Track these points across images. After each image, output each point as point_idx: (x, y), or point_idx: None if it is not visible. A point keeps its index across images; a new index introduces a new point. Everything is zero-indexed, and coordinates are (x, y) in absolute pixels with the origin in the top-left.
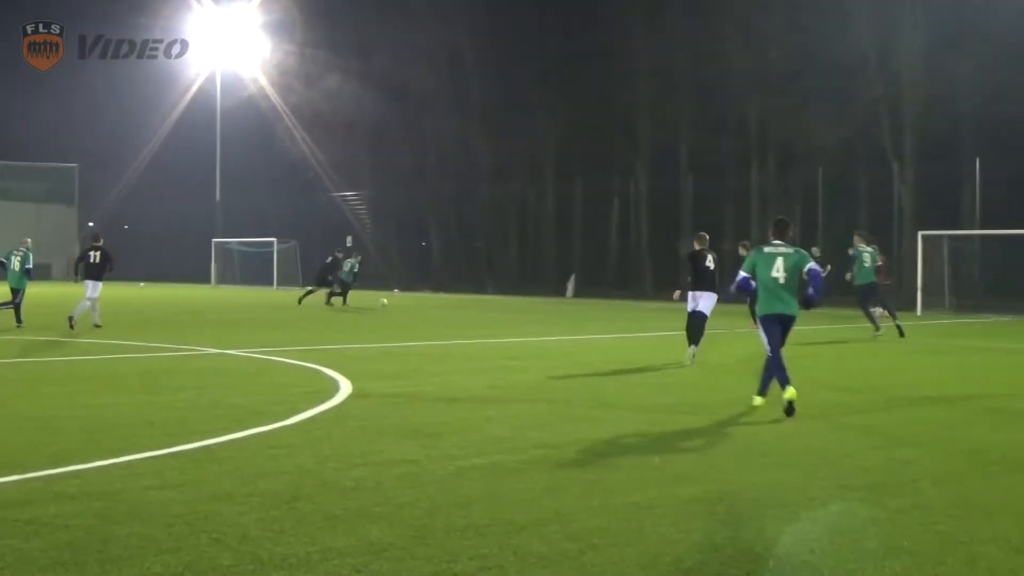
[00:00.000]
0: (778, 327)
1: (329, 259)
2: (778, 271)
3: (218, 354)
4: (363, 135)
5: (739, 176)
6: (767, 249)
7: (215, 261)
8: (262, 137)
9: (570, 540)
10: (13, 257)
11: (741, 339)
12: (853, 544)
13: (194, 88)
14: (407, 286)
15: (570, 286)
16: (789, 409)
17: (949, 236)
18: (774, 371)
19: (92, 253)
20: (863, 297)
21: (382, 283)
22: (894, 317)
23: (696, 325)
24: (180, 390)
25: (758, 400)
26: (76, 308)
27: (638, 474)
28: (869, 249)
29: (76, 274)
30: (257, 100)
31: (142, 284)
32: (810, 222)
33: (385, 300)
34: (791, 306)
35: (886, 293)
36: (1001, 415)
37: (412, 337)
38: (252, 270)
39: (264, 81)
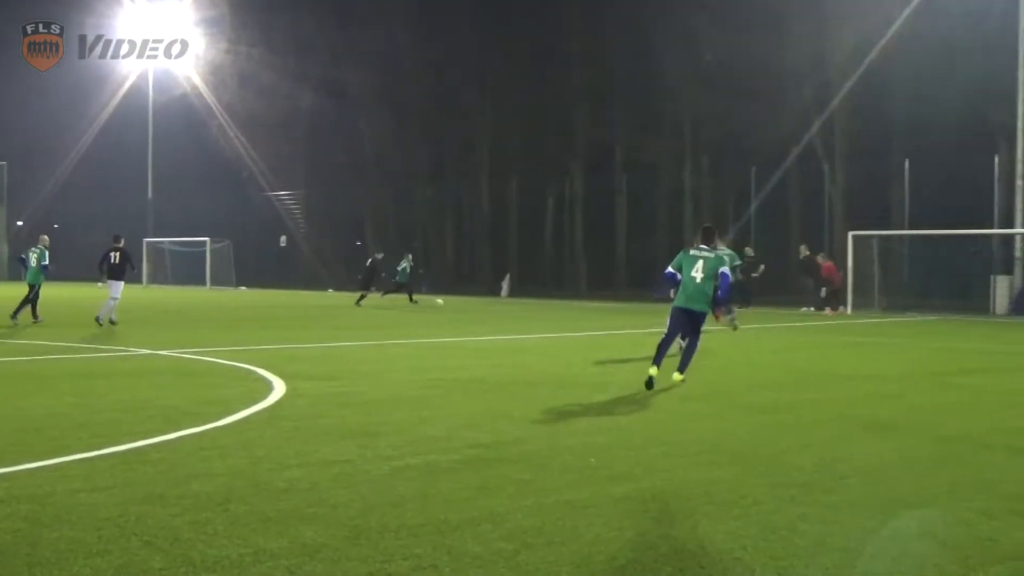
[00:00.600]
0: (686, 318)
1: (369, 261)
2: (697, 272)
3: (150, 355)
4: (298, 134)
5: (673, 176)
6: (692, 252)
7: (147, 261)
8: (195, 135)
9: (504, 539)
10: (31, 254)
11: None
12: (784, 541)
13: (126, 85)
14: (342, 286)
15: (505, 286)
16: (649, 383)
17: (879, 236)
18: (660, 349)
19: (112, 254)
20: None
21: (317, 283)
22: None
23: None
24: (111, 391)
25: (677, 376)
26: (102, 309)
27: (572, 473)
28: (728, 252)
29: (102, 274)
30: (191, 98)
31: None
32: (743, 222)
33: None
34: (701, 304)
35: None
36: (929, 412)
37: (347, 337)
38: (184, 270)
39: (198, 79)
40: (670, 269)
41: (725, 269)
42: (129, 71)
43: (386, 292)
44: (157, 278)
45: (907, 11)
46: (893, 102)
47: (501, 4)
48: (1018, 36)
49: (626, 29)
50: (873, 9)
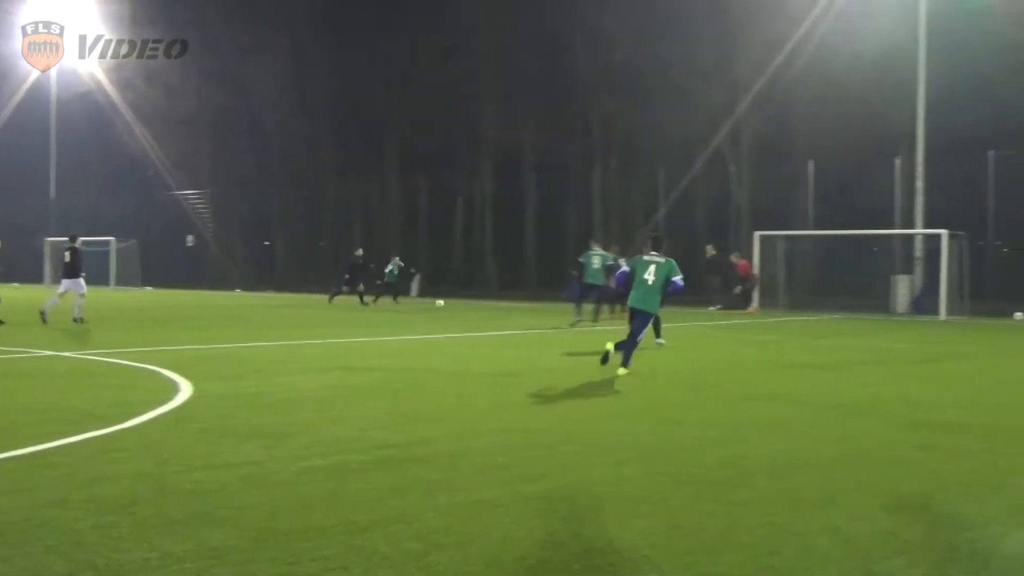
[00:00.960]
0: (633, 315)
1: (355, 261)
2: (649, 275)
3: (52, 356)
4: (205, 132)
5: (582, 177)
6: (645, 258)
7: (49, 260)
8: (100, 134)
9: (414, 539)
10: None
11: (586, 336)
12: (691, 537)
13: (28, 82)
14: (250, 286)
15: (414, 285)
16: (604, 357)
17: (784, 236)
18: (627, 347)
19: (66, 253)
20: (582, 292)
21: (224, 283)
22: (578, 313)
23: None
24: (12, 393)
25: (622, 370)
26: (47, 304)
27: (482, 473)
28: (601, 253)
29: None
30: (95, 95)
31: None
32: (651, 222)
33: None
34: (651, 306)
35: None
36: (832, 410)
37: (255, 338)
38: (88, 269)
39: (102, 76)
40: (625, 270)
41: (677, 278)
42: (31, 68)
43: (377, 296)
44: (60, 278)
45: (811, 16)
46: (797, 105)
47: (409, 3)
48: (918, 42)
49: (535, 30)
50: (779, 14)
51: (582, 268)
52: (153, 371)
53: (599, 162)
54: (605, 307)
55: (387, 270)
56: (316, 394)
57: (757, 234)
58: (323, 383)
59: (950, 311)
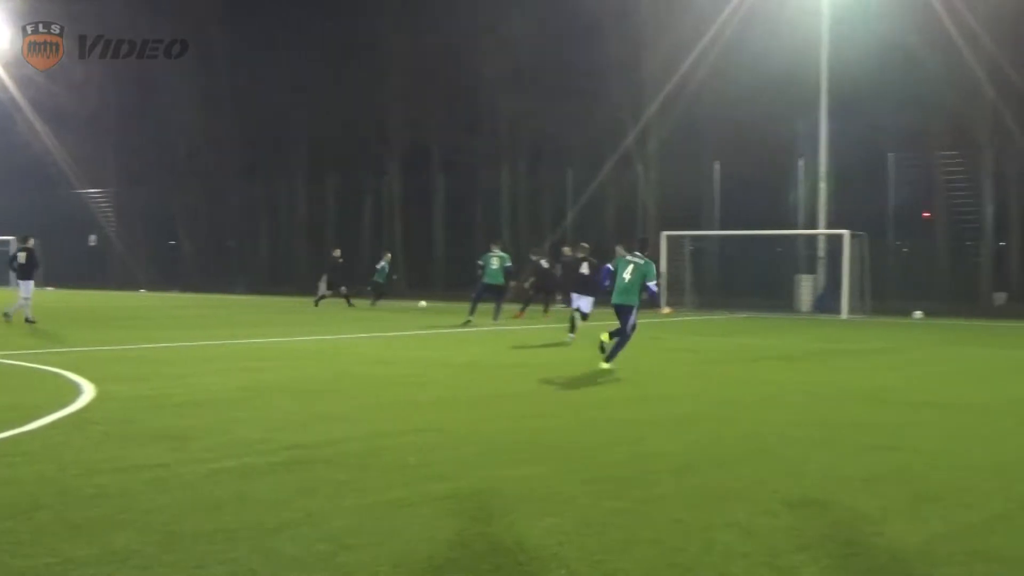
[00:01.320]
0: (617, 311)
1: (334, 262)
2: (627, 274)
3: None
4: (109, 130)
5: (490, 176)
6: (628, 258)
7: None
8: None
9: (323, 541)
10: None
11: (496, 335)
12: (598, 535)
13: None
14: (156, 286)
15: (322, 285)
16: (601, 347)
17: (690, 236)
18: (616, 343)
19: (19, 254)
20: (480, 292)
21: (129, 283)
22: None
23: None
24: None
25: (605, 364)
26: (12, 308)
27: (391, 473)
28: (500, 255)
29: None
30: None
31: None
32: (559, 222)
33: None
34: (631, 299)
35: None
36: (735, 407)
37: (160, 339)
38: None
39: (2, 73)
40: (609, 267)
41: (651, 283)
42: None
43: (375, 299)
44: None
45: (718, 18)
46: (704, 107)
47: (317, 1)
48: (821, 46)
49: (443, 29)
50: (686, 16)
51: (481, 269)
52: (55, 373)
53: (507, 162)
54: (519, 306)
55: (378, 267)
56: (223, 395)
57: (664, 234)
58: (230, 384)
59: (852, 310)
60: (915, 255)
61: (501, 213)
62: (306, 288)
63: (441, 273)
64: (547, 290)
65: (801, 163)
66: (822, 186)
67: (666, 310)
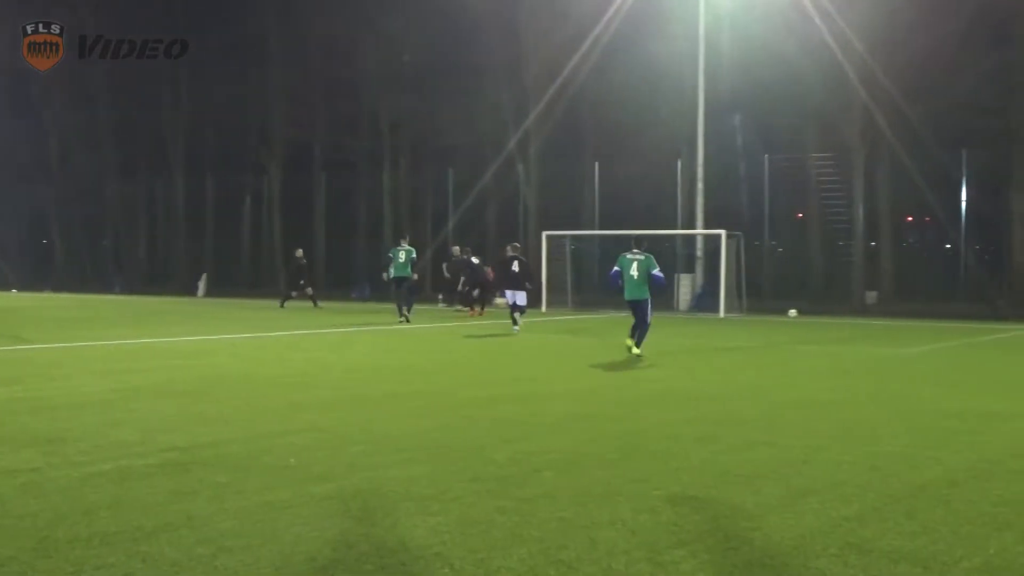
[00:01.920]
0: (632, 307)
1: (298, 263)
2: (634, 271)
3: None
4: None
5: (371, 175)
6: (628, 256)
7: None
8: None
9: (202, 544)
10: None
11: (383, 336)
12: (482, 534)
13: None
14: (28, 286)
15: (201, 285)
16: (629, 349)
17: (571, 236)
18: (639, 332)
19: None
20: (396, 288)
21: (2, 282)
22: (406, 310)
23: (516, 312)
24: None
25: (636, 350)
26: None
27: (272, 474)
28: (407, 248)
29: None
30: None
31: None
32: (441, 221)
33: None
34: (643, 293)
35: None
36: (619, 406)
37: (32, 340)
38: None
39: None
40: (615, 269)
41: (656, 271)
42: None
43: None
44: None
45: (600, 22)
46: (584, 108)
47: None
48: (698, 49)
49: (325, 27)
50: (568, 18)
51: (390, 263)
52: None
53: (388, 160)
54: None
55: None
56: (98, 397)
57: (545, 233)
58: (106, 386)
59: (728, 309)
60: (790, 255)
61: (383, 212)
62: (185, 287)
63: (323, 272)
64: (483, 287)
65: (679, 164)
66: (699, 187)
67: (473, 312)
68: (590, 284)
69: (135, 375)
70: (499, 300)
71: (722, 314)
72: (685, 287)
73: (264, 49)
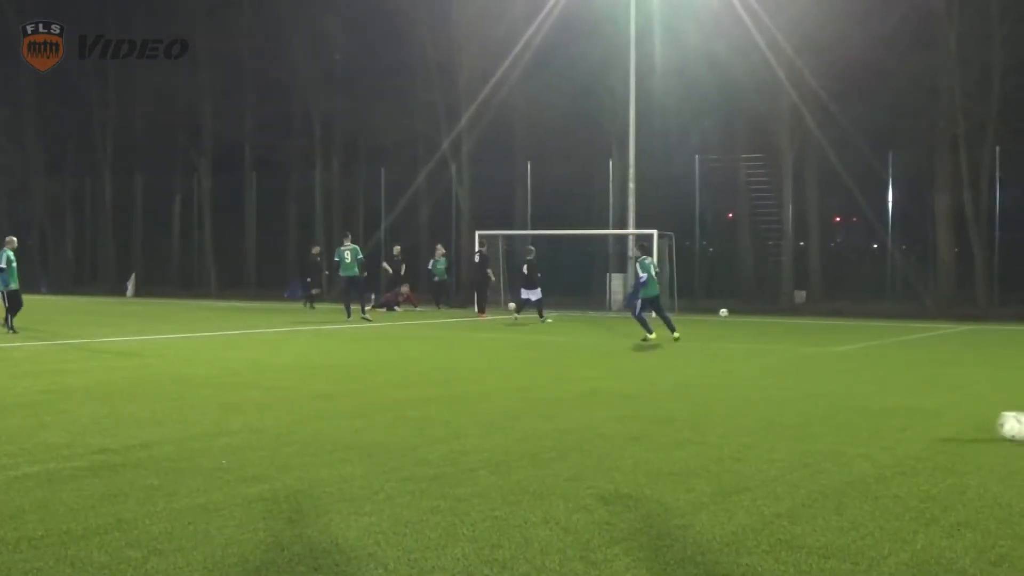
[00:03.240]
0: (656, 302)
1: (312, 260)
2: (654, 271)
3: None
4: None
5: (303, 175)
6: (648, 260)
7: None
8: None
9: (132, 547)
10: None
11: (311, 336)
12: (416, 534)
13: None
14: None
15: (130, 285)
16: (675, 339)
17: (503, 235)
18: (643, 322)
19: None
20: (346, 288)
21: None
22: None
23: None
24: None
25: (677, 335)
26: None
27: (204, 476)
28: (352, 247)
29: None
30: None
31: None
32: (374, 221)
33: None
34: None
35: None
36: (552, 405)
37: None
38: None
39: None
40: (643, 274)
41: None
42: None
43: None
44: None
45: (533, 22)
46: (517, 108)
47: None
48: (630, 48)
49: (255, 26)
50: (501, 18)
51: (337, 264)
52: None
53: (320, 160)
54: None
55: (432, 265)
56: (25, 399)
57: (478, 233)
58: (33, 387)
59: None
60: (720, 255)
61: (315, 212)
62: (114, 287)
63: (253, 272)
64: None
65: (611, 163)
66: (631, 187)
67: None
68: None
69: (64, 376)
70: (511, 304)
71: (654, 313)
72: (617, 286)
73: (194, 46)
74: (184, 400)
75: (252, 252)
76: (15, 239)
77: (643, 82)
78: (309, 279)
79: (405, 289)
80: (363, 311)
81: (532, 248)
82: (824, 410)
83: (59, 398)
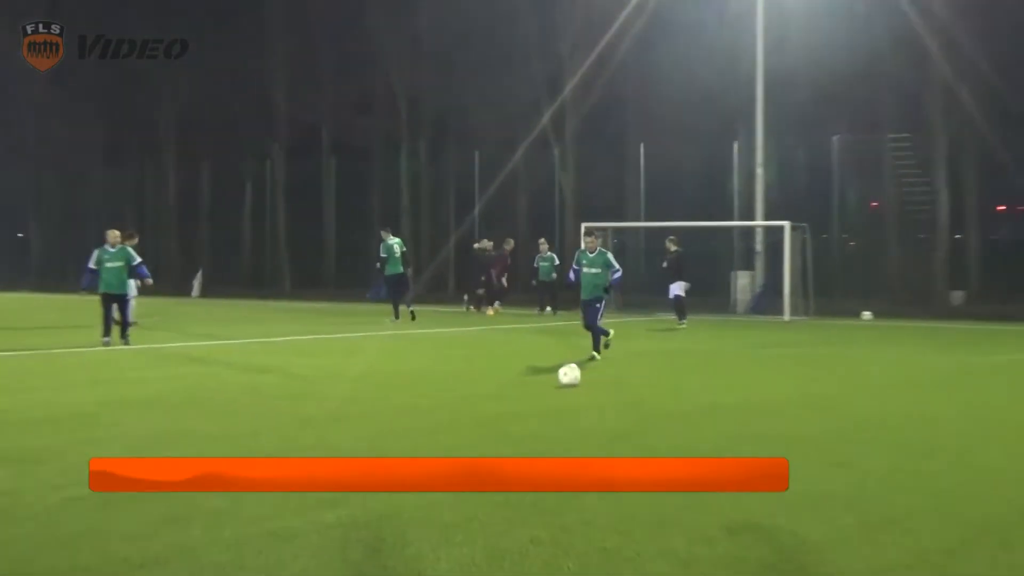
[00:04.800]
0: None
1: (477, 249)
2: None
3: None
4: None
5: (387, 160)
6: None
7: None
8: None
9: None
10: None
11: (389, 341)
12: (514, 567)
13: None
14: (12, 285)
15: (196, 284)
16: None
17: (613, 228)
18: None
19: None
20: (394, 287)
21: None
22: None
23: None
24: None
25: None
26: None
27: (274, 499)
28: (397, 240)
29: None
30: None
31: None
32: (466, 209)
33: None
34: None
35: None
36: (668, 420)
37: (10, 345)
38: None
39: None
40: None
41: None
42: None
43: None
44: None
45: None
46: (628, 82)
47: None
48: (756, 13)
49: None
50: None
51: (384, 261)
52: None
53: (406, 144)
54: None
55: (537, 263)
56: (79, 410)
57: (584, 225)
58: (86, 398)
59: (793, 311)
60: (863, 249)
61: (400, 200)
62: (178, 286)
63: (331, 269)
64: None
65: (736, 146)
66: (759, 171)
67: (490, 311)
68: (635, 283)
69: (122, 386)
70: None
71: (786, 316)
72: (743, 286)
73: (262, 17)
74: (253, 412)
75: (331, 247)
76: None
77: (772, 50)
78: (483, 277)
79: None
80: (411, 310)
81: (674, 238)
82: (988, 429)
83: (115, 410)
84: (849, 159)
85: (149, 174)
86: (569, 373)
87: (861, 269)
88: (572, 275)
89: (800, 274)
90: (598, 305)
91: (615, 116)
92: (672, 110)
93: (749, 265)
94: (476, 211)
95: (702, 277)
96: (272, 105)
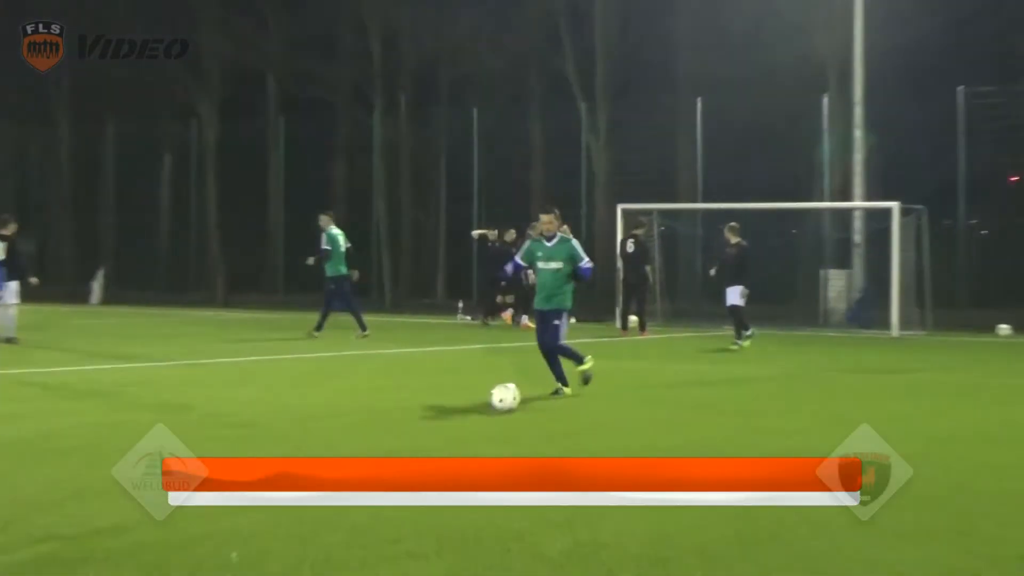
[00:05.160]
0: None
1: (492, 243)
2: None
3: None
4: None
5: (354, 119)
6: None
7: None
8: None
9: None
10: None
11: (351, 363)
12: None
13: None
14: None
15: (96, 286)
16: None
17: (658, 210)
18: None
19: None
20: (335, 290)
21: None
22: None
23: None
24: None
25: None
26: None
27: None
28: (341, 231)
29: None
30: None
31: None
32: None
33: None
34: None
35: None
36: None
37: None
38: None
39: None
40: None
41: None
42: None
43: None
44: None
45: None
46: (679, 14)
47: None
48: None
49: None
50: None
51: (326, 255)
52: None
53: (380, 99)
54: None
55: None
56: None
57: (620, 207)
58: None
59: (905, 323)
60: (999, 239)
61: (371, 174)
62: (73, 289)
63: (279, 265)
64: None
65: (826, 101)
66: (857, 135)
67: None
68: (688, 284)
69: None
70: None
71: (895, 332)
72: (838, 289)
73: None
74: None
75: (278, 237)
76: None
77: None
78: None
79: (510, 299)
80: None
81: (736, 225)
82: None
83: None
84: (980, 119)
85: (34, 139)
86: (505, 396)
87: (996, 266)
88: (510, 268)
89: (914, 273)
90: (557, 322)
91: (661, 61)
92: (739, 53)
93: (845, 262)
94: (475, 188)
95: (781, 278)
96: (198, 46)
